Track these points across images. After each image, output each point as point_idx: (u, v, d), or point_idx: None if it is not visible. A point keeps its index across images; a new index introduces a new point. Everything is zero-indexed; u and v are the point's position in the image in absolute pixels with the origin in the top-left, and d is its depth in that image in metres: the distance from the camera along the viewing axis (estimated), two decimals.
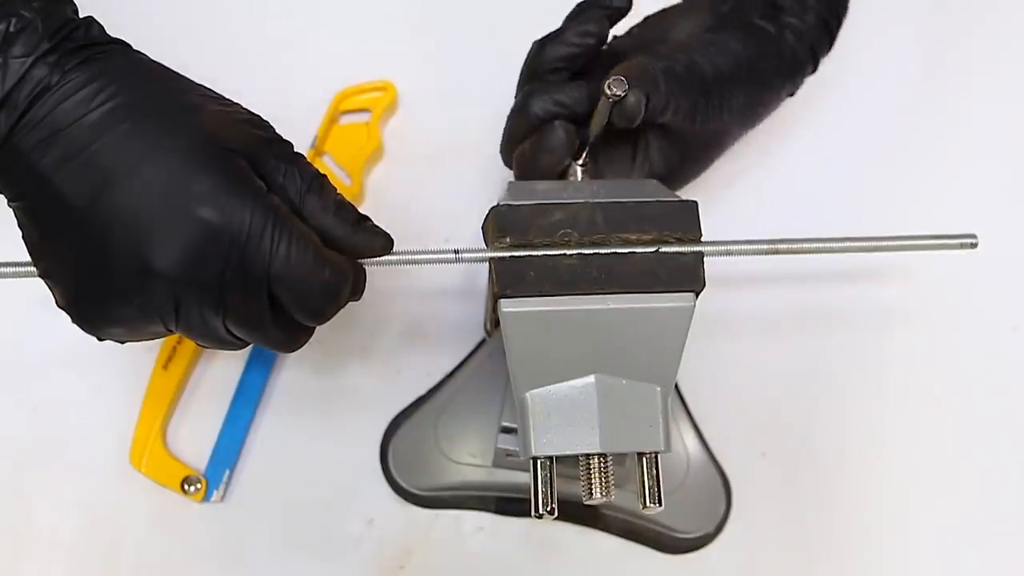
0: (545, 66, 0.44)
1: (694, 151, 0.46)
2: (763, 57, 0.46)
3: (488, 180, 0.56)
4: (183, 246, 0.33)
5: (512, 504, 0.50)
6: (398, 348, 0.54)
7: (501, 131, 0.47)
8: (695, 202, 0.37)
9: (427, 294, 0.55)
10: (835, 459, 0.52)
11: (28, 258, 0.36)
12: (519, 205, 0.36)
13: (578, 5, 0.46)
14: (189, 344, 0.52)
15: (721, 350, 0.54)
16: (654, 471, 0.37)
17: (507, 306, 0.35)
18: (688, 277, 0.36)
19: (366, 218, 0.38)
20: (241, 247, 0.34)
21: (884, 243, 0.40)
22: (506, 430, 0.46)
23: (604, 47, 0.46)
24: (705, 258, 0.36)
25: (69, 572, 0.49)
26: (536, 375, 0.37)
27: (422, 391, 0.52)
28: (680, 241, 0.36)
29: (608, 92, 0.38)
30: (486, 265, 0.37)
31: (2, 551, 0.50)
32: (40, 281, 0.37)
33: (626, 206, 0.37)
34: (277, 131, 0.39)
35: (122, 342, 0.38)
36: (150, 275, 0.33)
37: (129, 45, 0.38)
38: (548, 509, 0.36)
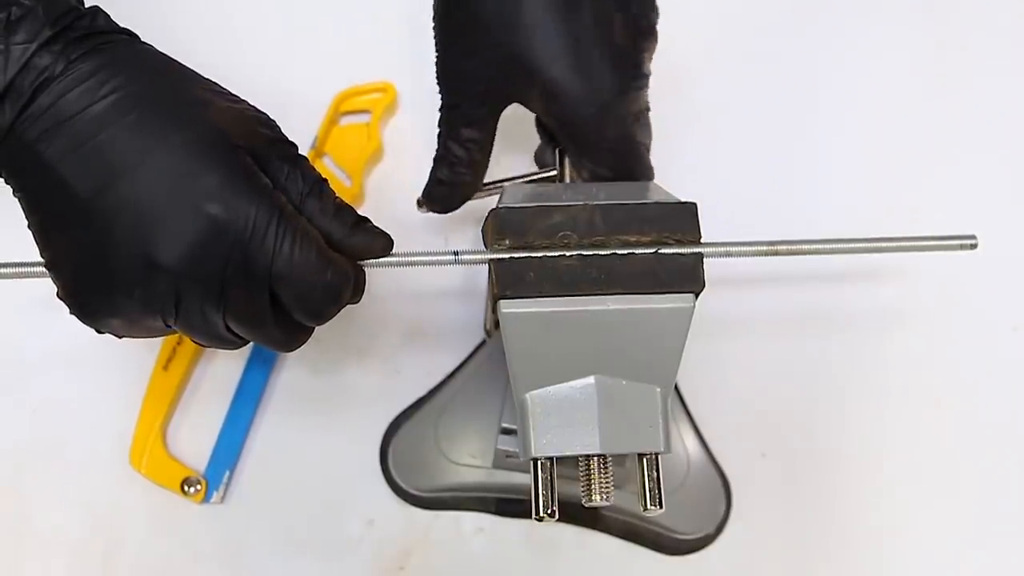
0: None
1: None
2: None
3: (488, 179, 0.56)
4: (187, 241, 0.33)
5: (512, 505, 0.50)
6: (398, 348, 0.54)
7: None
8: (694, 203, 0.37)
9: (427, 295, 0.55)
10: (835, 459, 0.52)
11: (29, 258, 0.36)
12: (518, 207, 0.36)
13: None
14: (189, 345, 0.52)
15: (721, 350, 0.54)
16: (654, 472, 0.37)
17: (507, 307, 0.35)
18: (688, 278, 0.36)
19: (366, 220, 0.38)
20: (245, 244, 0.34)
21: (884, 243, 0.40)
22: (506, 431, 0.46)
23: None
24: (705, 259, 0.36)
25: (69, 572, 0.49)
26: (536, 376, 0.37)
27: (422, 391, 0.52)
28: (680, 242, 0.36)
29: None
30: (486, 266, 0.37)
31: (2, 551, 0.50)
32: (41, 281, 0.37)
33: (626, 207, 0.37)
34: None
35: (120, 336, 0.38)
36: (152, 268, 0.33)
37: (137, 36, 0.37)
38: (549, 512, 0.36)
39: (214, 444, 0.51)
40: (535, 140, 0.48)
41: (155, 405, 0.51)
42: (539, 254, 0.36)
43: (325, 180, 0.38)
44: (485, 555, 0.50)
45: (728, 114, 0.60)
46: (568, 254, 0.36)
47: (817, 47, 0.62)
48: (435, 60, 0.45)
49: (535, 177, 0.46)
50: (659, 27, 0.45)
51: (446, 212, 0.47)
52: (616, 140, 0.43)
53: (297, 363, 0.53)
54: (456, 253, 0.37)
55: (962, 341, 0.55)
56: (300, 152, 0.38)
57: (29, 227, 0.36)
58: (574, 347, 0.36)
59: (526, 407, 0.37)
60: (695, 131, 0.59)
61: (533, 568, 0.50)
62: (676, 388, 0.49)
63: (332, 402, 0.53)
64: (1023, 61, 0.62)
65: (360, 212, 0.38)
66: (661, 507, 0.37)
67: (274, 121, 0.38)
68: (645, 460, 0.37)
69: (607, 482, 0.37)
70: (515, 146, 0.58)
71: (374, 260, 0.38)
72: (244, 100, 0.38)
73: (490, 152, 0.45)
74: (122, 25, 0.37)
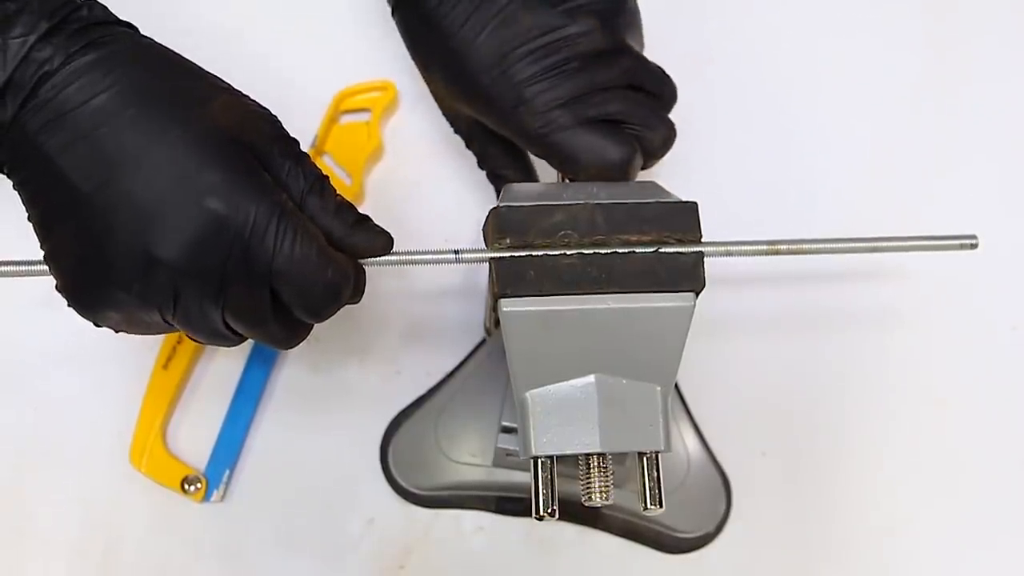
0: None
1: None
2: None
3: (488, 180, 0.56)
4: (187, 236, 0.33)
5: (512, 504, 0.50)
6: (398, 348, 0.54)
7: None
8: (695, 203, 0.37)
9: (427, 294, 0.55)
10: (835, 459, 0.52)
11: (29, 256, 0.36)
12: (519, 206, 0.36)
13: None
14: (190, 344, 0.52)
15: (721, 350, 0.54)
16: (654, 471, 0.37)
17: (507, 306, 0.35)
18: (688, 277, 0.36)
19: (366, 218, 0.38)
20: (245, 241, 0.34)
21: (884, 243, 0.40)
22: (506, 430, 0.46)
23: None
24: (705, 258, 0.36)
25: (69, 571, 0.49)
26: (536, 375, 0.37)
27: (422, 391, 0.52)
28: (680, 241, 0.36)
29: None
30: (486, 265, 0.37)
31: (3, 550, 0.50)
32: (41, 280, 0.37)
33: (626, 207, 0.37)
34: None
35: (118, 331, 0.38)
36: (152, 262, 0.33)
37: (137, 29, 0.37)
38: (549, 511, 0.36)
39: (214, 443, 0.51)
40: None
41: (155, 404, 0.51)
42: (540, 253, 0.36)
43: (326, 177, 0.38)
44: (485, 554, 0.50)
45: (728, 114, 0.60)
46: (569, 253, 0.36)
47: (817, 47, 0.62)
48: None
49: None
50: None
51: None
52: (540, 130, 0.41)
53: (297, 362, 0.53)
54: (457, 252, 0.37)
55: (962, 341, 0.55)
56: (302, 149, 0.38)
57: (29, 219, 0.35)
58: (574, 346, 0.36)
59: (526, 406, 0.37)
60: (695, 131, 0.59)
61: (533, 567, 0.50)
62: (676, 387, 0.49)
63: (332, 401, 0.53)
64: (1023, 61, 0.62)
65: (360, 211, 0.38)
66: (661, 506, 0.37)
67: (276, 117, 0.38)
68: (645, 459, 0.37)
69: (607, 481, 0.37)
70: None
71: (375, 259, 0.38)
72: (246, 95, 0.38)
73: (513, 146, 0.46)
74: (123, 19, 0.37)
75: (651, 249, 0.36)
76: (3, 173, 0.36)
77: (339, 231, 0.37)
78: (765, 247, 0.38)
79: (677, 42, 0.62)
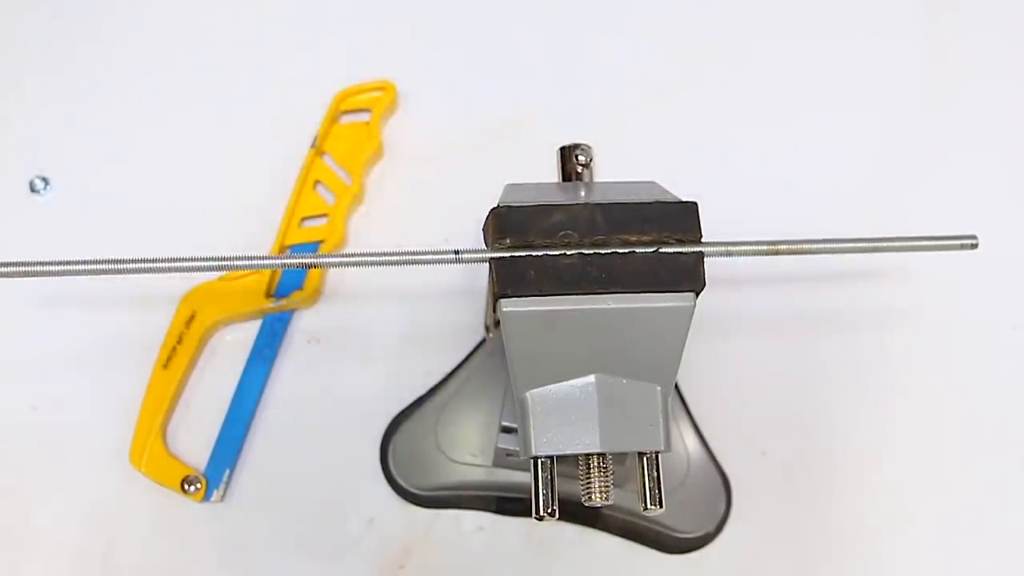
0: None
1: None
2: None
3: (488, 180, 0.56)
4: None
5: (512, 504, 0.50)
6: (398, 348, 0.54)
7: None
8: (695, 203, 0.37)
9: (427, 294, 0.55)
10: (835, 459, 0.52)
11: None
12: (519, 206, 0.36)
13: None
14: (190, 344, 0.52)
15: (721, 350, 0.54)
16: (654, 471, 0.37)
17: (507, 306, 0.35)
18: (688, 277, 0.36)
19: None
20: None
21: (884, 243, 0.40)
22: (506, 430, 0.46)
23: None
24: (705, 258, 0.36)
25: (69, 571, 0.49)
26: (536, 375, 0.37)
27: (422, 391, 0.52)
28: (680, 241, 0.36)
29: None
30: (486, 265, 0.37)
31: (2, 551, 0.50)
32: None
33: (626, 207, 0.37)
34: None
35: None
36: None
37: None
38: (549, 511, 0.36)
39: (214, 443, 0.51)
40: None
41: (155, 404, 0.51)
42: (540, 253, 0.36)
43: None
44: (485, 553, 0.50)
45: (728, 114, 0.60)
46: (569, 253, 0.36)
47: (818, 46, 0.62)
48: None
49: None
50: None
51: None
52: None
53: (298, 362, 0.53)
54: (457, 252, 0.37)
55: (962, 341, 0.55)
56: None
57: None
58: (574, 346, 0.36)
59: (526, 406, 0.37)
60: (695, 131, 0.60)
61: (533, 567, 0.50)
62: (676, 387, 0.49)
63: (332, 401, 0.53)
64: (1023, 61, 0.62)
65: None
66: (661, 506, 0.37)
67: None
68: (645, 459, 0.37)
69: (607, 481, 0.37)
70: (507, 154, 0.58)
71: (375, 259, 0.38)
72: None
73: None
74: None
75: (651, 249, 0.36)
76: None
77: None
78: (765, 247, 0.38)
79: (678, 42, 0.62)
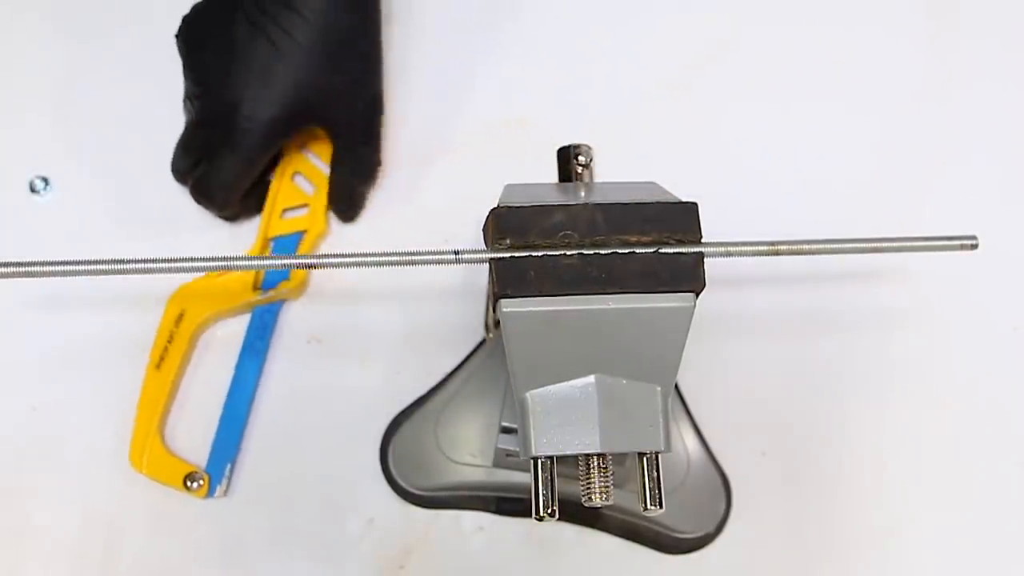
0: None
1: None
2: None
3: (488, 180, 0.56)
4: None
5: (512, 504, 0.50)
6: (398, 348, 0.54)
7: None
8: (695, 203, 0.37)
9: (427, 294, 0.55)
10: (835, 459, 0.52)
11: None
12: (519, 207, 0.36)
13: None
14: (181, 343, 0.52)
15: (721, 350, 0.54)
16: (654, 472, 0.37)
17: (507, 306, 0.35)
18: (688, 277, 0.36)
19: None
20: None
21: (884, 244, 0.40)
22: (506, 430, 0.46)
23: None
24: (705, 258, 0.36)
25: (69, 571, 0.49)
26: (536, 375, 0.37)
27: (422, 391, 0.52)
28: (680, 242, 0.36)
29: None
30: (486, 265, 0.37)
31: (2, 551, 0.50)
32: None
33: (626, 207, 0.37)
34: None
35: None
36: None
37: None
38: (549, 511, 0.36)
39: (213, 438, 0.51)
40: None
41: (150, 405, 0.51)
42: (540, 253, 0.36)
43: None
44: (485, 554, 0.50)
45: (729, 114, 0.60)
46: (569, 253, 0.36)
47: (817, 46, 0.62)
48: None
49: None
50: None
51: None
52: None
53: (298, 362, 0.53)
54: (457, 252, 0.37)
55: (962, 341, 0.55)
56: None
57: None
58: (574, 346, 0.36)
59: (526, 406, 0.37)
60: (695, 131, 0.60)
61: (533, 567, 0.50)
62: (676, 388, 0.49)
63: (332, 401, 0.53)
64: (1023, 61, 0.62)
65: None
66: (661, 507, 0.37)
67: None
68: (645, 459, 0.37)
69: (607, 481, 0.37)
70: (507, 154, 0.58)
71: (375, 259, 0.38)
72: None
73: None
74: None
75: (651, 249, 0.36)
76: None
77: None
78: (765, 247, 0.38)
79: (678, 42, 0.62)
